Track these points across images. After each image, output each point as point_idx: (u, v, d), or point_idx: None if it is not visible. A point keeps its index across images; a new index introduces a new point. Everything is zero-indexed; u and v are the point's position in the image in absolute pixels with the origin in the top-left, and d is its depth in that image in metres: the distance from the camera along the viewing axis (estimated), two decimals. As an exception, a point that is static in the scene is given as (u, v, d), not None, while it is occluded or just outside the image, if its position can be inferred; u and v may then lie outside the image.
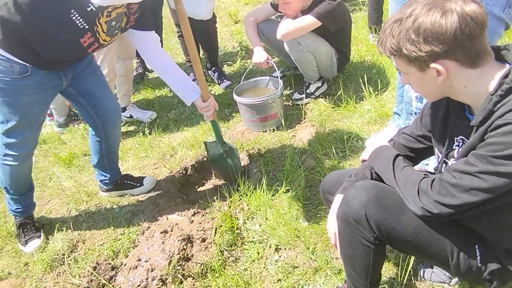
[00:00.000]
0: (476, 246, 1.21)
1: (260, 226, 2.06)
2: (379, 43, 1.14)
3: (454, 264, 1.21)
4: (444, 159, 1.28)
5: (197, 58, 2.09)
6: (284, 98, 3.01)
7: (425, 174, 1.21)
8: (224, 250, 1.98)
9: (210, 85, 3.54)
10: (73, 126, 3.36)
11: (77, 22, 1.73)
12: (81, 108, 2.17)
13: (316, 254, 1.87)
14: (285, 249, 1.94)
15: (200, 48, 3.43)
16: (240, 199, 2.22)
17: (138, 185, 2.47)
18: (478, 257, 1.19)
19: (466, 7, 1.01)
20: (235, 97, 2.81)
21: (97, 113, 2.15)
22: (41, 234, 2.25)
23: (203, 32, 3.29)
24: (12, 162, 2.08)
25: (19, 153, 2.06)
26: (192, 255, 1.98)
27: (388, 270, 1.72)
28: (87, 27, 1.76)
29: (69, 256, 2.13)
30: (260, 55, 2.89)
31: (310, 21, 2.74)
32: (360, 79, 2.90)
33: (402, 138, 1.46)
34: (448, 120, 1.26)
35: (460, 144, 1.22)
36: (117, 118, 2.24)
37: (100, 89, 2.11)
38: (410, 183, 1.20)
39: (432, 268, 1.65)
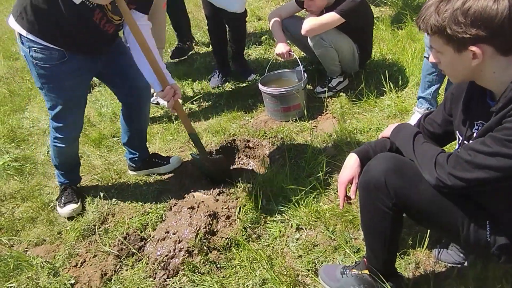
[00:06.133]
0: (487, 221, 1.28)
1: (282, 207, 2.17)
2: (421, 18, 1.17)
3: (464, 236, 1.29)
4: (465, 141, 1.37)
5: (148, 49, 1.99)
6: (307, 91, 3.11)
7: (442, 150, 1.30)
8: (247, 227, 2.08)
9: (232, 79, 3.65)
10: None
11: (87, 2, 1.84)
12: (116, 87, 2.33)
13: (336, 234, 1.97)
14: (305, 228, 2.04)
15: (228, 41, 3.55)
16: (264, 181, 2.33)
17: (164, 163, 2.59)
18: (488, 231, 1.27)
19: None
20: (260, 86, 2.92)
21: (131, 90, 2.30)
22: (79, 201, 2.40)
23: (233, 25, 3.40)
24: (61, 144, 2.27)
25: (67, 136, 2.25)
26: (217, 230, 2.09)
27: (403, 251, 1.80)
28: (95, 4, 1.86)
29: (100, 227, 2.27)
30: (282, 46, 3.00)
31: (334, 17, 2.83)
32: (382, 76, 2.99)
33: (426, 122, 1.54)
34: (469, 105, 1.34)
35: (480, 127, 1.30)
36: (148, 93, 2.42)
37: (132, 68, 2.20)
38: (428, 156, 1.29)
39: (447, 249, 1.73)
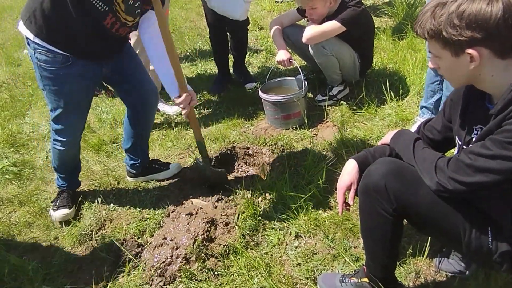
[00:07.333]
0: (489, 228, 1.27)
1: (281, 214, 2.14)
2: (418, 24, 1.20)
3: (466, 242, 1.27)
4: (464, 146, 1.35)
5: (174, 50, 2.00)
6: (307, 100, 3.11)
7: (442, 155, 1.29)
8: (246, 234, 2.06)
9: (233, 87, 3.65)
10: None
11: (97, 5, 1.81)
12: (124, 92, 2.32)
13: (335, 242, 1.95)
14: (305, 236, 2.02)
15: (229, 48, 3.55)
16: (263, 188, 2.31)
17: (164, 168, 2.58)
18: (490, 238, 1.25)
19: None
20: (261, 94, 2.92)
21: (140, 95, 2.29)
22: (73, 207, 2.37)
23: (235, 32, 3.41)
24: (61, 147, 2.25)
25: (67, 139, 2.23)
26: (215, 237, 2.06)
27: (403, 260, 1.78)
28: (107, 8, 1.84)
29: (97, 233, 2.24)
30: (283, 54, 3.01)
31: (335, 26, 2.85)
32: (382, 85, 2.99)
33: (426, 129, 1.53)
34: (468, 109, 1.34)
35: (479, 132, 1.29)
36: (156, 99, 2.41)
37: (141, 73, 2.24)
38: (428, 161, 1.28)
39: (448, 258, 1.71)
